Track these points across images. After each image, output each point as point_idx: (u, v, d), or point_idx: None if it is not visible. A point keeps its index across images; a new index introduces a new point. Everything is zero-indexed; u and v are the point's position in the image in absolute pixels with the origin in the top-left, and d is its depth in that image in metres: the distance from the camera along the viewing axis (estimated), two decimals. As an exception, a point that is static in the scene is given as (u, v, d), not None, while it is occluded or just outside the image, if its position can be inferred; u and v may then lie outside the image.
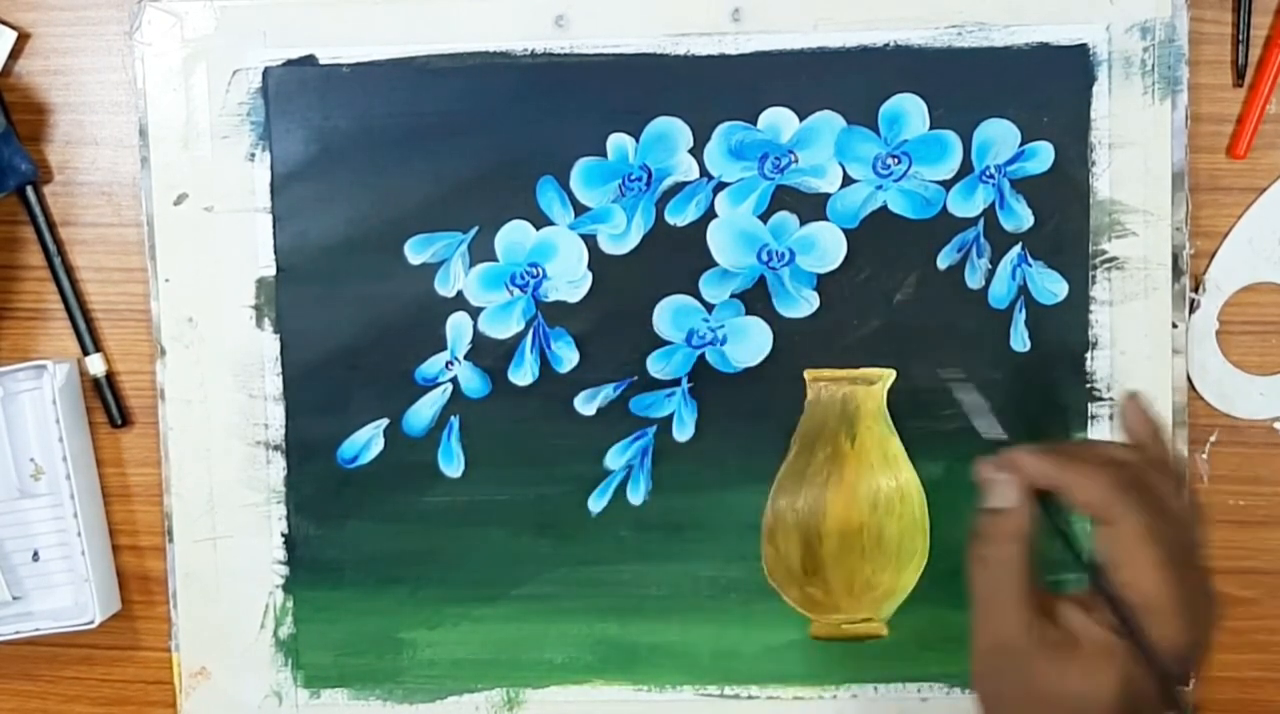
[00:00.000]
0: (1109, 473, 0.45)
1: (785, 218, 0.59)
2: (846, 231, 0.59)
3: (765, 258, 0.59)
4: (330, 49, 0.59)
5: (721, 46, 0.59)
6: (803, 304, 0.59)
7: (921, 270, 0.59)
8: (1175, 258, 0.58)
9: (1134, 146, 0.58)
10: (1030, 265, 0.59)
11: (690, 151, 0.59)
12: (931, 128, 0.58)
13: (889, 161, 0.59)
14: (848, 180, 0.59)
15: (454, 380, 0.60)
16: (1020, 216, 0.59)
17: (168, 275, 0.60)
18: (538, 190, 0.59)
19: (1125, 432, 0.50)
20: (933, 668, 0.60)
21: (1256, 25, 0.59)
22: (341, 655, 0.61)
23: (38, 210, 0.61)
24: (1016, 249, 0.59)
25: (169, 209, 0.60)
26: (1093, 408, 0.59)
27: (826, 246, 0.59)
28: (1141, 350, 0.59)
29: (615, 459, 0.60)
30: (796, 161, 0.59)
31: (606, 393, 0.60)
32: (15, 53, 0.61)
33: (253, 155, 0.60)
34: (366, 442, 0.60)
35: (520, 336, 0.60)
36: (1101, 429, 0.59)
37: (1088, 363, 0.59)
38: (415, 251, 0.60)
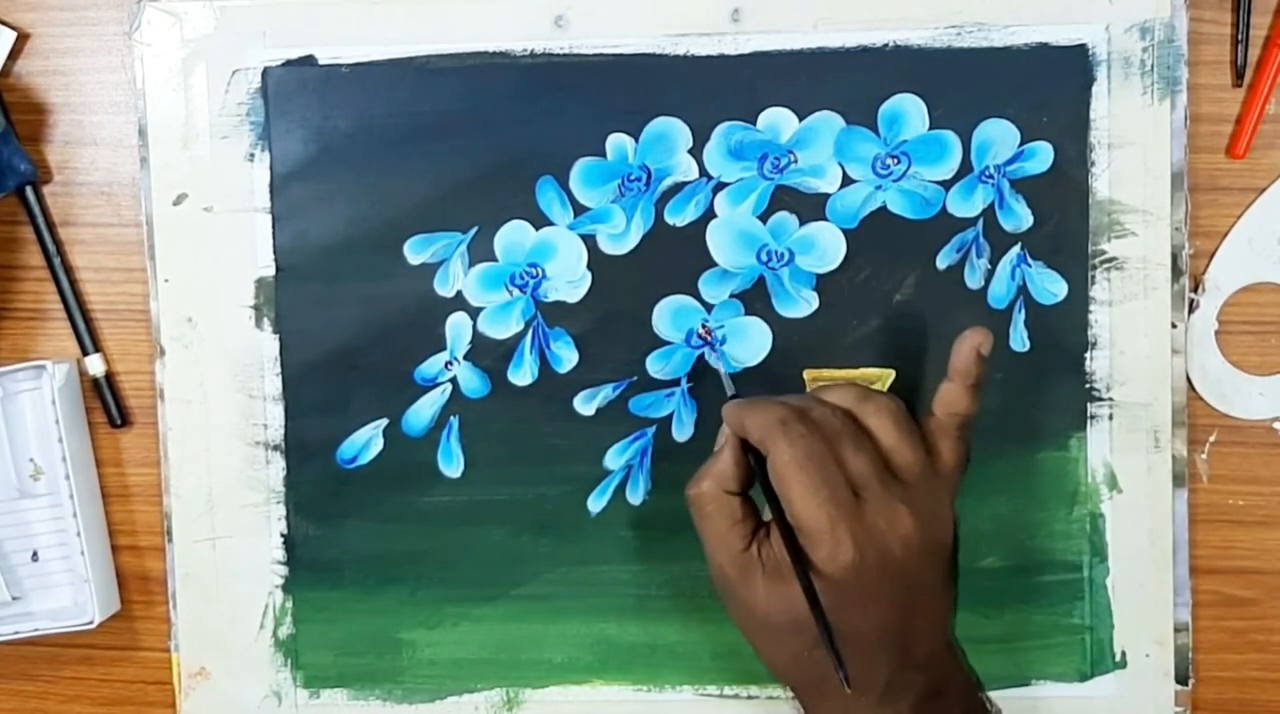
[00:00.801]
0: (771, 409, 0.50)
1: (785, 218, 0.59)
2: (846, 231, 0.59)
3: (765, 258, 0.59)
4: (330, 49, 0.59)
5: (721, 46, 0.59)
6: (802, 304, 0.59)
7: (921, 270, 0.59)
8: (1175, 258, 0.58)
9: (1133, 146, 0.58)
10: (1030, 265, 0.59)
11: (690, 151, 0.59)
12: (931, 128, 0.58)
13: (888, 161, 0.59)
14: (847, 180, 0.59)
15: (453, 380, 0.60)
16: (1020, 217, 0.59)
17: (167, 275, 0.60)
18: (537, 190, 0.59)
19: (952, 360, 0.53)
20: (932, 668, 0.60)
21: (1256, 25, 0.59)
22: (341, 655, 0.61)
23: (37, 210, 0.61)
24: (1016, 249, 0.59)
25: (169, 209, 0.60)
26: (1092, 408, 0.59)
27: (826, 246, 0.59)
28: (1141, 350, 0.59)
29: (615, 459, 0.60)
30: (796, 162, 0.59)
31: (606, 393, 0.60)
32: (15, 53, 0.61)
33: (252, 155, 0.60)
34: (366, 442, 0.60)
35: (520, 337, 0.60)
36: (1101, 429, 0.59)
37: (1087, 363, 0.59)
38: (415, 251, 0.60)
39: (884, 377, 0.59)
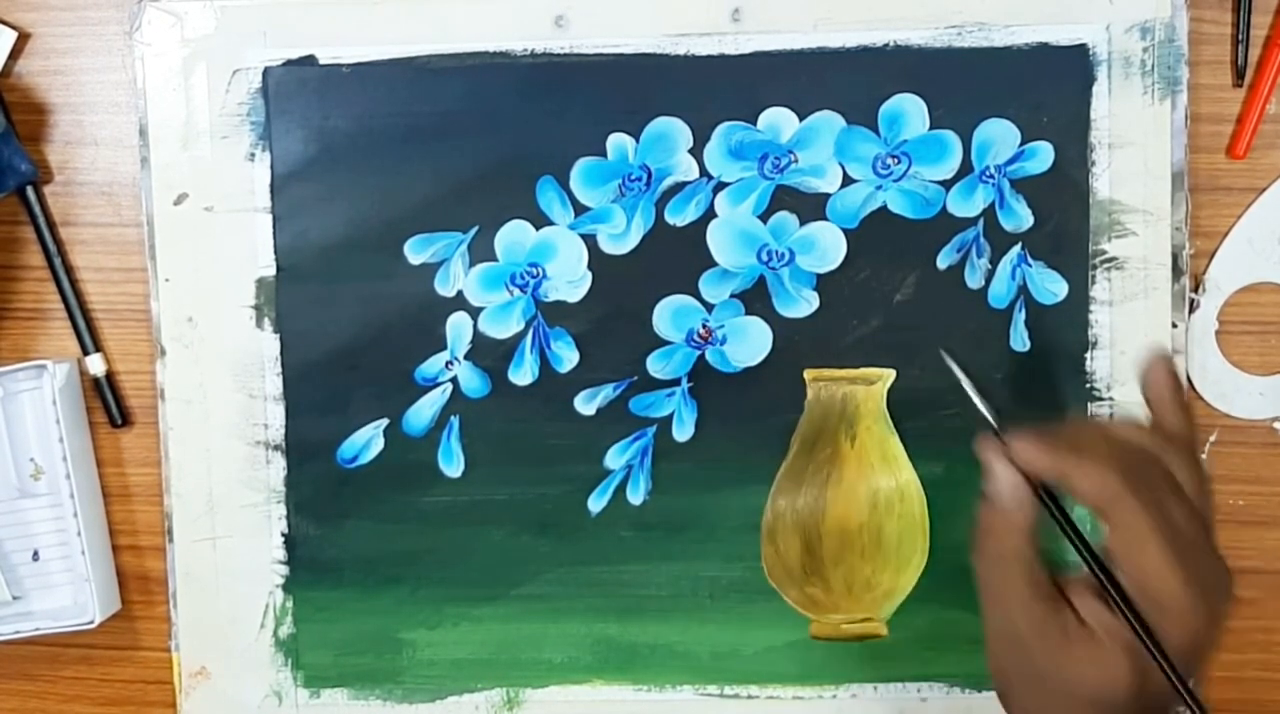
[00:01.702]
0: (1111, 465, 0.43)
1: (785, 218, 0.59)
2: (846, 231, 0.59)
3: (765, 258, 0.59)
4: (330, 49, 0.59)
5: (721, 46, 0.59)
6: (802, 304, 0.59)
7: (921, 270, 0.59)
8: (1175, 258, 0.58)
9: (1134, 146, 0.58)
10: (1030, 265, 0.59)
11: (690, 151, 0.59)
12: (931, 128, 0.58)
13: (889, 161, 0.59)
14: (847, 180, 0.59)
15: (454, 380, 0.60)
16: (1020, 216, 0.59)
17: (168, 275, 0.60)
18: (537, 190, 0.59)
19: (1144, 394, 0.47)
20: (933, 668, 0.60)
21: (1256, 25, 0.59)
22: (341, 655, 0.61)
23: (38, 210, 0.61)
24: (1016, 249, 0.59)
25: (169, 209, 0.60)
26: (1092, 408, 0.59)
27: (826, 246, 0.59)
28: (1141, 351, 0.59)
29: (615, 459, 0.60)
30: (796, 161, 0.59)
31: (606, 393, 0.60)
32: (15, 53, 0.61)
33: (253, 155, 0.60)
34: (366, 442, 0.60)
35: (520, 336, 0.60)
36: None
37: (1087, 363, 0.59)
38: (415, 251, 0.60)
39: (884, 376, 0.59)
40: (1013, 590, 0.44)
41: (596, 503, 0.60)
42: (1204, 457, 0.60)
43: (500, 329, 0.60)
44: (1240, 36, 0.59)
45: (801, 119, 0.59)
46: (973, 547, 0.45)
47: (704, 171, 0.59)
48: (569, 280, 0.59)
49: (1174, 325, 0.59)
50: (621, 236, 0.59)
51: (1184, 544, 0.43)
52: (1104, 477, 0.43)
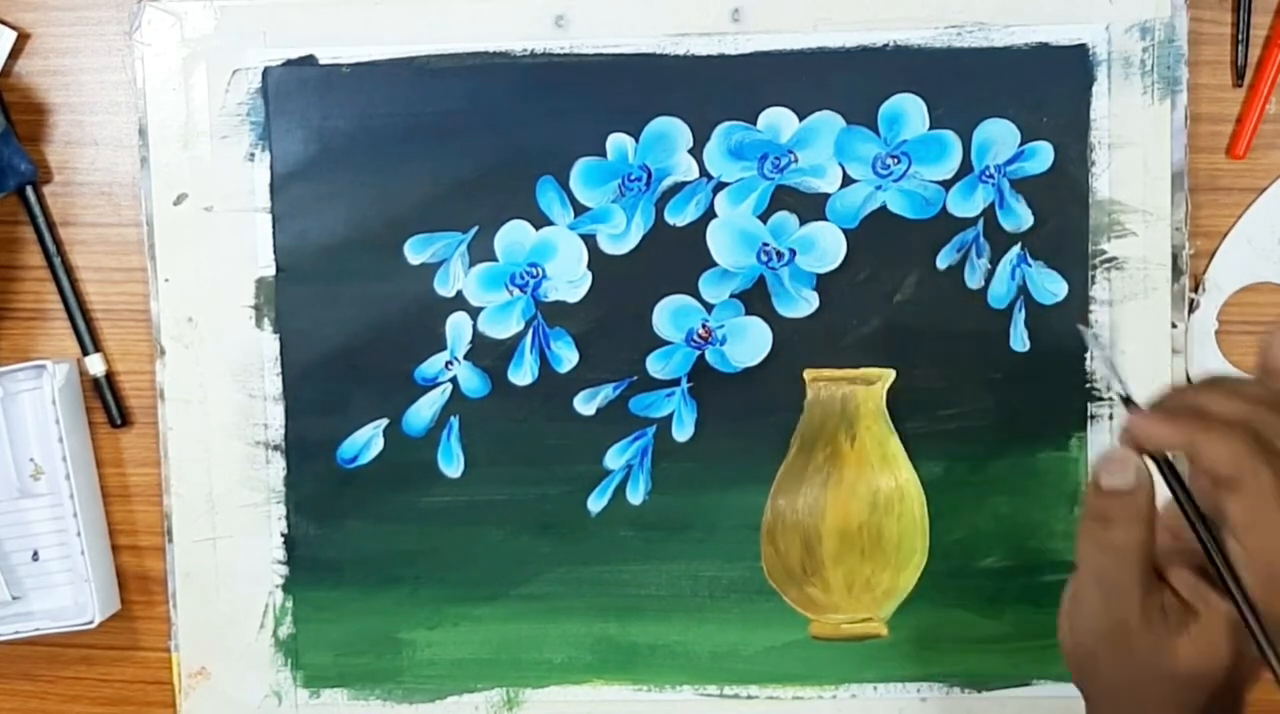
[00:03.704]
0: (1240, 432, 0.41)
1: (785, 218, 0.59)
2: (846, 231, 0.59)
3: (765, 258, 0.59)
4: (330, 49, 0.59)
5: (721, 46, 0.59)
6: (802, 304, 0.59)
7: (921, 270, 0.59)
8: (1175, 258, 0.58)
9: (1133, 146, 0.58)
10: (1030, 265, 0.59)
11: (690, 151, 0.59)
12: (931, 128, 0.58)
13: (889, 161, 0.59)
14: (847, 180, 0.59)
15: (454, 380, 0.60)
16: (1020, 216, 0.59)
17: (168, 275, 0.60)
18: (537, 190, 0.59)
19: (1264, 368, 0.44)
20: (933, 668, 0.60)
21: (1256, 25, 0.59)
22: (341, 655, 0.61)
23: (38, 210, 0.61)
24: (1016, 249, 0.59)
25: (169, 209, 0.60)
26: (1092, 408, 0.59)
27: (826, 246, 0.59)
28: (1141, 350, 0.59)
29: (615, 459, 0.60)
30: (796, 161, 0.59)
31: (606, 393, 0.60)
32: (15, 53, 0.61)
33: (252, 155, 0.60)
34: (366, 441, 0.60)
35: (520, 336, 0.60)
36: (1101, 429, 0.59)
37: (1087, 363, 0.59)
38: (415, 251, 0.60)
39: (884, 376, 0.59)
40: (1129, 579, 0.42)
41: (596, 503, 0.60)
42: None
43: (500, 329, 0.60)
44: (1240, 36, 0.59)
45: (801, 119, 0.59)
46: (1083, 534, 0.43)
47: (704, 171, 0.59)
48: (569, 280, 0.60)
49: (1174, 325, 0.59)
50: (621, 236, 0.59)
51: None
52: (1234, 445, 0.41)
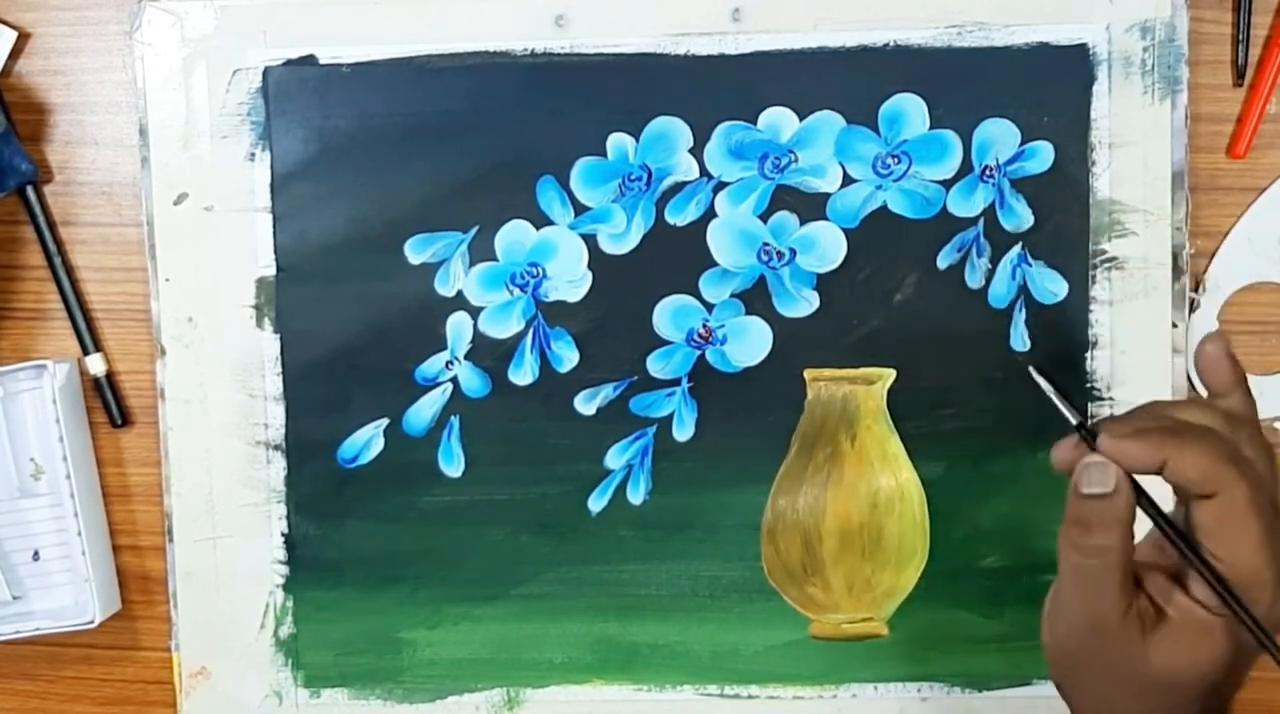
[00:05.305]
0: (1210, 443, 0.43)
1: (785, 217, 0.59)
2: (846, 231, 0.59)
3: (765, 257, 0.59)
4: (330, 49, 0.59)
5: (721, 46, 0.59)
6: (803, 304, 0.59)
7: (921, 270, 0.59)
8: (1175, 257, 0.58)
9: (1134, 146, 0.58)
10: (1030, 265, 0.59)
11: (690, 151, 0.59)
12: (931, 128, 0.58)
13: (889, 161, 0.59)
14: (848, 180, 0.59)
15: (454, 380, 0.60)
16: (1020, 216, 0.59)
17: (168, 275, 0.60)
18: (538, 190, 0.59)
19: (1203, 378, 0.46)
20: (933, 668, 0.60)
21: (1256, 25, 0.59)
22: (341, 655, 0.61)
23: (38, 210, 0.61)
24: (1016, 249, 0.59)
25: (169, 209, 0.60)
26: (1092, 408, 0.59)
27: (826, 246, 0.59)
28: (1141, 350, 0.59)
29: (615, 459, 0.60)
30: (796, 161, 0.59)
31: (606, 393, 0.60)
32: (15, 53, 0.61)
33: (253, 155, 0.60)
34: (366, 441, 0.60)
35: (520, 336, 0.60)
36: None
37: (1088, 363, 0.59)
38: (415, 251, 0.60)
39: (884, 376, 0.59)
40: (1109, 582, 0.44)
41: (596, 503, 0.60)
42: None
43: (500, 329, 0.60)
44: (1240, 36, 0.59)
45: (801, 119, 0.59)
46: (1064, 538, 0.46)
47: (704, 171, 0.59)
48: (569, 280, 0.60)
49: (1174, 325, 0.59)
50: (621, 236, 0.59)
51: (1271, 524, 0.43)
52: (1208, 459, 0.43)
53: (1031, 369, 0.49)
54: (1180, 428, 0.44)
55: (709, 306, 0.59)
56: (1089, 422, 0.46)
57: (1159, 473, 0.43)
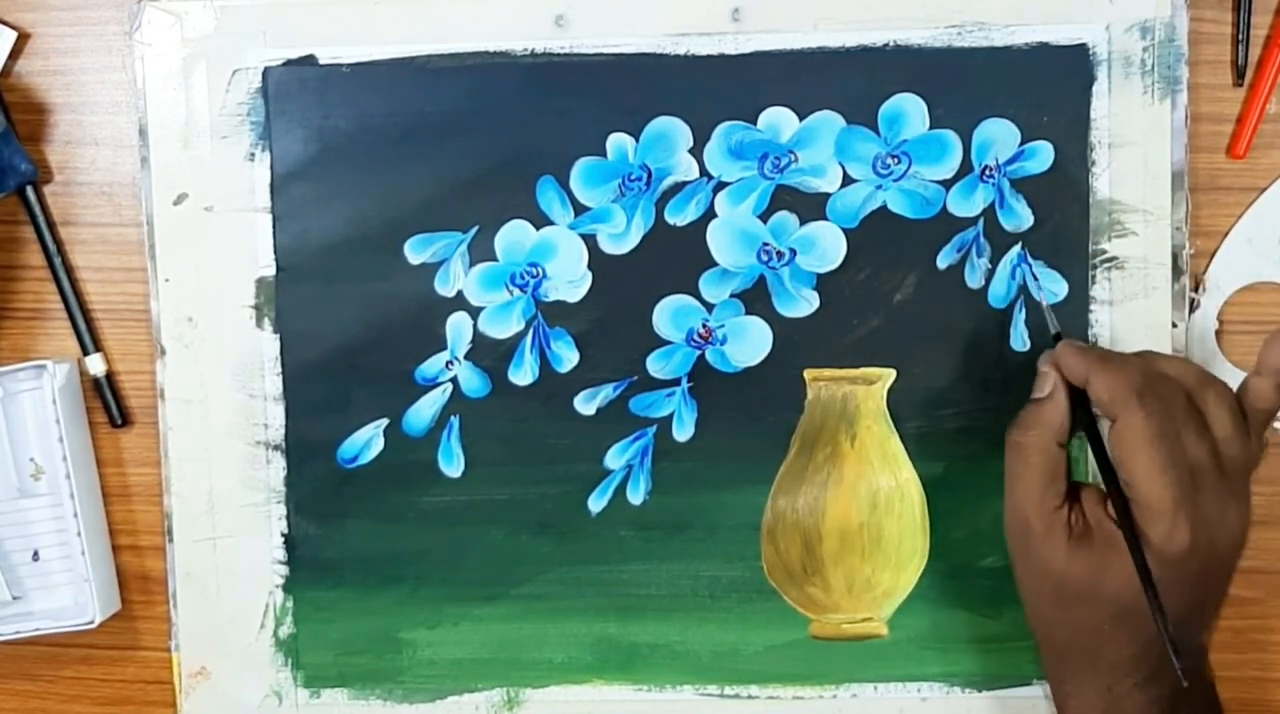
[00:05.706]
0: (1124, 372, 0.48)
1: (785, 217, 0.59)
2: (846, 231, 0.59)
3: (765, 257, 0.59)
4: (330, 49, 0.59)
5: (721, 46, 0.59)
6: (803, 304, 0.59)
7: (921, 270, 0.59)
8: (1175, 257, 0.58)
9: (1134, 146, 0.58)
10: (1030, 265, 0.59)
11: (690, 151, 0.59)
12: (931, 127, 0.58)
13: (889, 161, 0.59)
14: (848, 180, 0.59)
15: (454, 380, 0.60)
16: (1020, 216, 0.59)
17: (168, 275, 0.60)
18: (537, 190, 0.59)
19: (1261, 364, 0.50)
20: (933, 668, 0.60)
21: (1256, 25, 0.59)
22: (341, 655, 0.61)
23: (38, 210, 0.61)
24: (1016, 249, 0.59)
25: (169, 209, 0.60)
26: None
27: (826, 246, 0.59)
28: (1141, 350, 0.59)
29: (615, 459, 0.60)
30: (796, 161, 0.59)
31: (606, 393, 0.60)
32: (15, 53, 0.61)
33: (252, 155, 0.60)
34: (366, 441, 0.60)
35: (520, 336, 0.60)
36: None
37: (1088, 363, 0.59)
38: (415, 251, 0.60)
39: (884, 376, 0.59)
40: (1031, 479, 0.49)
41: (596, 503, 0.60)
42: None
43: (500, 329, 0.60)
44: (1240, 36, 0.59)
45: (801, 119, 0.59)
46: (1007, 440, 0.51)
47: (704, 171, 0.59)
48: (569, 280, 0.60)
49: (1174, 325, 0.59)
50: (621, 236, 0.59)
51: (1188, 471, 0.47)
52: (1117, 382, 0.48)
53: (1040, 297, 0.56)
54: (1113, 356, 0.49)
55: (709, 306, 0.59)
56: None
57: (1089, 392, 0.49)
